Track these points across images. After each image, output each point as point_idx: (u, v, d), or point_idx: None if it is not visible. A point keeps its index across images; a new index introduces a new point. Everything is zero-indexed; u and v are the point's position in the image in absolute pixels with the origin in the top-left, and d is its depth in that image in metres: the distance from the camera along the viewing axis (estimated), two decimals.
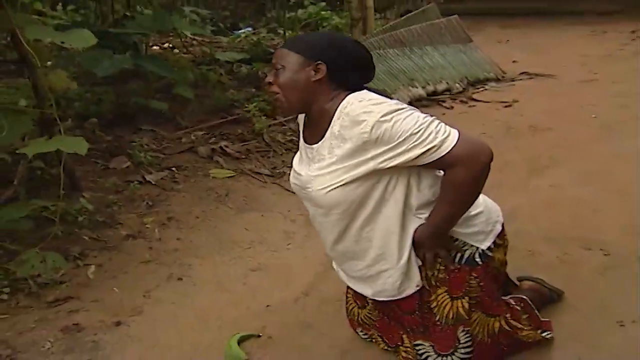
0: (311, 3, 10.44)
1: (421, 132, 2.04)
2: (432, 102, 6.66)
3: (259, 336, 2.82)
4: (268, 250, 3.67)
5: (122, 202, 4.12)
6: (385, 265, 2.31)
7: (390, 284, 2.35)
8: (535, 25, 10.54)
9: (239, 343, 2.73)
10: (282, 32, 8.26)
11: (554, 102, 6.37)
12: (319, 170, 2.21)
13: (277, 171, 4.79)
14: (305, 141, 2.37)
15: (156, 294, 3.21)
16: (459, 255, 2.35)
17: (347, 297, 2.76)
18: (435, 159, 2.06)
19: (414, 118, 2.05)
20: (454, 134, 2.07)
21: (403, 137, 2.03)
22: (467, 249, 2.35)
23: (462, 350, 2.38)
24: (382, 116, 2.03)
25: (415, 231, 2.26)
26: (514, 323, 2.49)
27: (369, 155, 2.09)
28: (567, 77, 7.41)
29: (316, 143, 2.27)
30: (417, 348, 2.45)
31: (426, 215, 2.26)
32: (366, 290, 2.45)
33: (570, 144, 5.17)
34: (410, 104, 6.33)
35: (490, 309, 2.42)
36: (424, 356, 2.44)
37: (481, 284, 2.36)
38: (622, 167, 4.55)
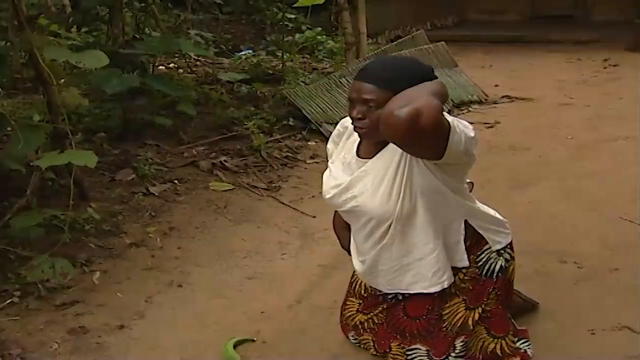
0: (308, 28, 10.44)
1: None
2: None
3: (254, 340, 2.82)
4: (263, 260, 3.67)
5: (126, 212, 4.12)
6: (418, 255, 2.34)
7: (423, 274, 2.36)
8: (516, 52, 10.57)
9: (234, 347, 2.73)
10: (280, 54, 8.27)
11: (533, 124, 6.39)
12: None
13: (273, 185, 4.79)
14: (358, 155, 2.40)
15: (157, 299, 3.21)
16: (486, 267, 2.38)
17: (346, 304, 2.76)
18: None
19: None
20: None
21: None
22: (493, 262, 2.38)
23: (454, 358, 2.38)
24: None
25: None
26: (508, 349, 2.46)
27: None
28: (545, 100, 7.43)
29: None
30: (410, 353, 2.43)
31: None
32: (399, 284, 2.44)
33: (548, 163, 5.19)
34: None
35: (495, 328, 2.43)
36: None
37: (499, 293, 2.41)
38: (596, 185, 4.58)
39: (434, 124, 1.92)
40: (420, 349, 2.42)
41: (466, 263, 2.38)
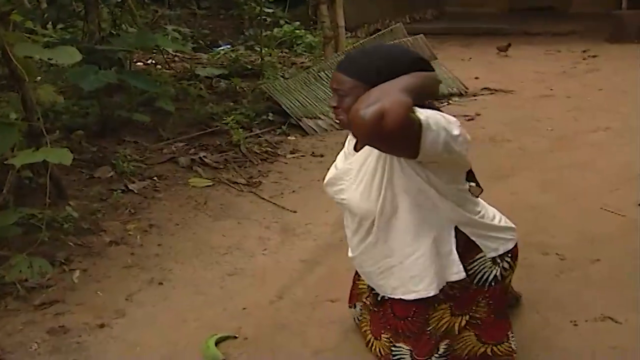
0: (286, 22, 10.44)
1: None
2: None
3: (236, 337, 2.81)
4: (244, 256, 3.65)
5: (105, 210, 4.10)
6: (399, 258, 2.29)
7: (403, 278, 2.30)
8: (495, 44, 10.59)
9: (216, 344, 2.72)
10: (259, 49, 8.25)
11: (513, 116, 6.42)
12: None
13: (253, 180, 4.77)
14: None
15: (138, 297, 3.19)
16: (479, 276, 2.32)
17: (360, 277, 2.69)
18: None
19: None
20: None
21: None
22: (487, 271, 2.33)
23: (437, 359, 2.34)
24: None
25: None
26: (500, 352, 2.43)
27: None
28: (525, 92, 7.48)
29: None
30: (394, 350, 2.41)
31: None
32: (385, 288, 2.40)
33: (529, 155, 5.22)
34: None
35: (486, 335, 2.39)
36: (397, 357, 2.40)
37: (490, 302, 2.35)
38: (577, 175, 4.63)
39: (399, 125, 1.83)
40: (403, 348, 2.38)
41: (462, 275, 2.28)
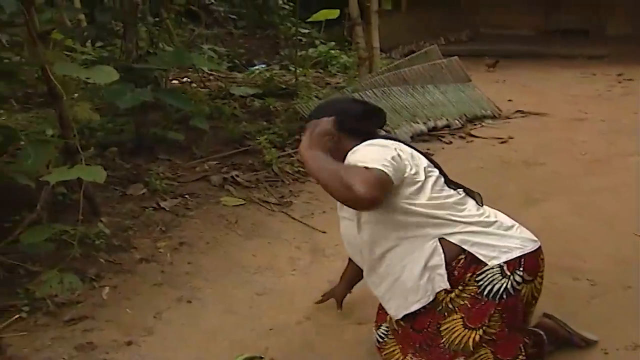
0: (321, 42, 10.47)
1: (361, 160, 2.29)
2: (433, 137, 6.63)
3: (262, 358, 2.79)
4: (274, 276, 3.64)
5: (137, 227, 4.10)
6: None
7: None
8: (530, 67, 10.54)
9: None
10: (293, 69, 8.27)
11: (546, 139, 6.35)
12: None
13: (285, 200, 4.76)
14: None
15: (167, 315, 3.18)
16: (488, 287, 2.30)
17: None
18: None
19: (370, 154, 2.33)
20: (377, 165, 2.23)
21: None
22: (497, 284, 2.30)
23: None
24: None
25: None
26: None
27: None
28: (559, 115, 7.40)
29: None
30: None
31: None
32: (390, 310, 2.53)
33: (561, 178, 5.14)
34: (412, 138, 6.37)
35: (502, 351, 2.34)
36: None
37: (504, 315, 2.31)
38: (609, 199, 4.55)
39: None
40: None
41: (445, 286, 2.35)
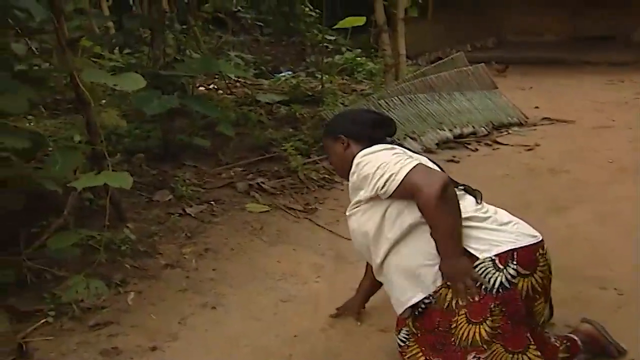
0: (348, 49, 10.47)
1: (382, 167, 2.44)
2: (459, 144, 6.59)
3: None
4: (298, 282, 3.63)
5: (163, 233, 4.11)
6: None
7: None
8: (556, 74, 10.46)
9: None
10: (319, 76, 8.27)
11: (573, 146, 6.29)
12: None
13: (310, 207, 4.75)
14: None
15: (191, 321, 3.18)
16: (485, 280, 2.33)
17: None
18: (396, 186, 2.38)
19: (379, 160, 2.49)
20: (409, 166, 2.38)
21: (368, 175, 2.49)
22: (491, 277, 2.32)
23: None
24: (356, 165, 2.58)
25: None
26: (529, 357, 2.35)
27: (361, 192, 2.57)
28: (586, 122, 7.33)
29: None
30: None
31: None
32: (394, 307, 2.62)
33: (587, 186, 5.09)
34: (437, 146, 6.33)
35: (511, 344, 2.33)
36: None
37: (503, 309, 2.31)
38: (636, 208, 4.47)
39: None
40: None
41: (438, 280, 2.44)
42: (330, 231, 4.33)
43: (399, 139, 6.19)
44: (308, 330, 3.09)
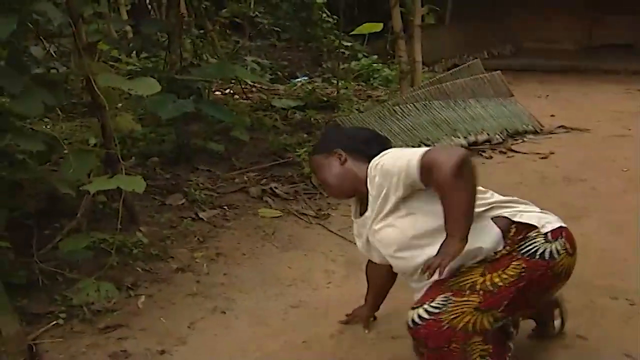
0: (364, 56, 10.46)
1: (401, 157, 2.34)
2: (473, 151, 6.55)
3: None
4: (309, 288, 3.62)
5: (175, 237, 4.13)
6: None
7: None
8: (573, 82, 10.41)
9: None
10: (335, 81, 8.28)
11: (588, 155, 6.24)
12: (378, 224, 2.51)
13: (322, 213, 4.74)
14: (360, 215, 2.68)
15: (200, 325, 3.18)
16: (527, 248, 2.33)
17: None
18: (417, 168, 2.24)
19: (395, 155, 2.41)
20: (419, 152, 2.28)
21: (389, 169, 2.36)
22: (539, 246, 2.33)
23: (421, 311, 2.31)
24: (374, 168, 2.43)
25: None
26: (479, 327, 2.29)
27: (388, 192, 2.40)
28: (601, 131, 7.28)
29: (366, 211, 2.56)
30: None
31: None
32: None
33: (602, 195, 5.06)
34: None
35: (487, 304, 2.28)
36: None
37: (523, 274, 2.29)
38: None
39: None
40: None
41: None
42: (343, 237, 4.32)
43: (414, 146, 6.22)
44: (317, 337, 3.07)
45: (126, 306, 3.32)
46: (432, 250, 2.30)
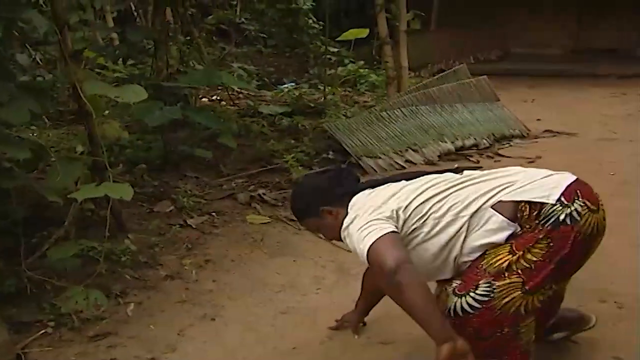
0: (350, 61, 10.49)
1: (356, 241, 2.30)
2: (460, 156, 6.59)
3: None
4: (297, 294, 3.62)
5: (163, 244, 4.12)
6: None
7: None
8: (559, 86, 10.48)
9: None
10: (322, 87, 8.30)
11: (575, 159, 6.26)
12: None
13: None
14: None
15: (189, 333, 3.18)
16: (550, 220, 2.25)
17: None
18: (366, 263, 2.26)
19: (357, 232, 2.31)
20: (368, 244, 2.22)
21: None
22: (561, 212, 2.24)
23: (470, 299, 2.25)
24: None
25: None
26: (531, 306, 2.26)
27: None
28: (588, 135, 7.33)
29: None
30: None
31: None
32: None
33: None
34: (439, 157, 6.34)
35: (532, 283, 2.23)
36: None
37: (551, 244, 2.22)
38: (638, 221, 4.45)
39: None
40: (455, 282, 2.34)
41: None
42: (331, 243, 4.32)
43: (401, 151, 6.25)
44: (306, 343, 3.07)
45: (115, 314, 3.31)
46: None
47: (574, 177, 2.42)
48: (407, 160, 6.17)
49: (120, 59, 7.22)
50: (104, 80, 5.80)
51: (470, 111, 7.34)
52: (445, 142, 6.69)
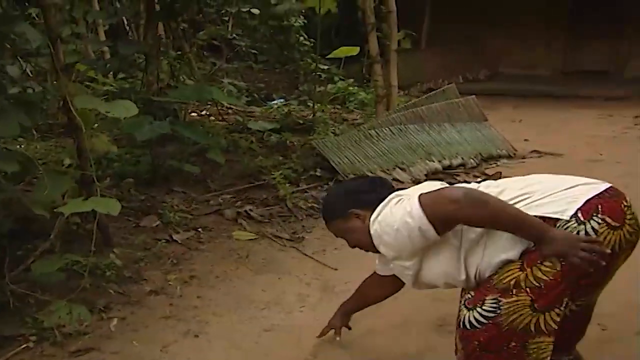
0: (340, 79, 10.52)
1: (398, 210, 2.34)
2: (447, 175, 6.60)
3: None
4: (282, 312, 3.62)
5: (148, 259, 4.11)
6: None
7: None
8: (547, 107, 10.54)
9: None
10: (311, 104, 8.32)
11: None
12: None
13: (297, 236, 4.75)
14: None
15: (173, 349, 3.17)
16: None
17: None
18: (431, 227, 2.23)
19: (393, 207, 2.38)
20: (415, 200, 2.27)
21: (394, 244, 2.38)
22: (578, 231, 2.16)
23: (477, 314, 2.25)
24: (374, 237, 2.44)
25: None
26: (545, 327, 2.21)
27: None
28: (575, 156, 7.37)
29: None
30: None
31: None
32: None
33: None
34: (426, 177, 6.35)
35: (542, 302, 2.18)
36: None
37: (563, 262, 2.14)
38: None
39: None
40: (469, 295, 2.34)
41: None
42: (317, 261, 4.33)
43: (388, 170, 6.27)
44: None
45: (98, 329, 3.29)
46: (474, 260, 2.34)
47: (601, 189, 2.32)
48: (394, 179, 6.18)
49: (111, 73, 7.24)
50: (94, 94, 5.80)
51: (459, 131, 7.37)
52: (433, 161, 6.71)
